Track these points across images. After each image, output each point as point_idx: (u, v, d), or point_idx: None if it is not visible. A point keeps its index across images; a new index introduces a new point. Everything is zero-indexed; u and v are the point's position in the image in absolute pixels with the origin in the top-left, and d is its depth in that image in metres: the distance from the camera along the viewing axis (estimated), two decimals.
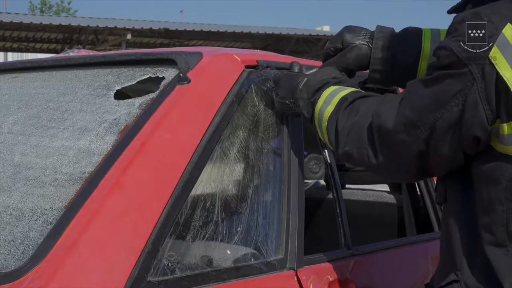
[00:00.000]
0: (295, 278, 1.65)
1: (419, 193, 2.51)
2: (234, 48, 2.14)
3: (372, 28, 1.77)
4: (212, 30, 19.03)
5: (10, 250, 1.35)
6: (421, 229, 2.50)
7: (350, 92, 1.56)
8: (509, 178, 1.24)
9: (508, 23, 1.22)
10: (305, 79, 1.69)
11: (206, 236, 1.53)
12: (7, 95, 1.99)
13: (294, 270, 1.66)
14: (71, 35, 19.93)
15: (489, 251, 1.27)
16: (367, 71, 1.76)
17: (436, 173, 1.42)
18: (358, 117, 1.48)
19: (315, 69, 1.79)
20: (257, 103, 1.77)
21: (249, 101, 1.75)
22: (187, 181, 1.49)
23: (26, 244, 1.34)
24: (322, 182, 3.72)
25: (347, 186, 3.53)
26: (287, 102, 1.71)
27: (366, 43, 1.74)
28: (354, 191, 3.40)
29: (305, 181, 2.27)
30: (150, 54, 1.83)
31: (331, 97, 1.58)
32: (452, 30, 1.30)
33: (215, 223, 1.56)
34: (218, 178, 1.61)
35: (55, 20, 18.94)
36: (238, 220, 1.60)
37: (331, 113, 1.55)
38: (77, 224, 1.32)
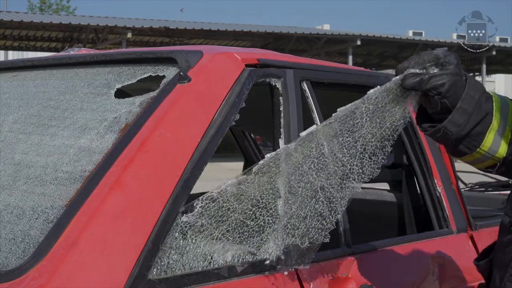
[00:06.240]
0: (296, 277, 1.65)
1: (419, 191, 2.50)
2: (234, 47, 2.14)
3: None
4: (213, 28, 19.02)
5: (11, 249, 1.35)
6: (421, 228, 2.50)
7: None
8: None
9: None
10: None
11: (206, 234, 1.52)
12: (7, 94, 1.99)
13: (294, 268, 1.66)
14: (71, 34, 19.94)
15: None
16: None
17: None
18: None
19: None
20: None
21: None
22: (188, 179, 1.49)
23: (27, 243, 1.35)
24: None
25: None
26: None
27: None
28: None
29: None
30: (151, 53, 1.83)
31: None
32: None
33: (215, 221, 1.56)
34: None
35: (56, 19, 18.93)
36: (239, 219, 1.60)
37: None
38: (78, 223, 1.32)
